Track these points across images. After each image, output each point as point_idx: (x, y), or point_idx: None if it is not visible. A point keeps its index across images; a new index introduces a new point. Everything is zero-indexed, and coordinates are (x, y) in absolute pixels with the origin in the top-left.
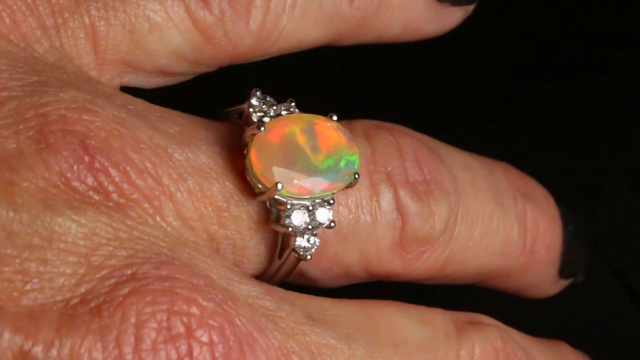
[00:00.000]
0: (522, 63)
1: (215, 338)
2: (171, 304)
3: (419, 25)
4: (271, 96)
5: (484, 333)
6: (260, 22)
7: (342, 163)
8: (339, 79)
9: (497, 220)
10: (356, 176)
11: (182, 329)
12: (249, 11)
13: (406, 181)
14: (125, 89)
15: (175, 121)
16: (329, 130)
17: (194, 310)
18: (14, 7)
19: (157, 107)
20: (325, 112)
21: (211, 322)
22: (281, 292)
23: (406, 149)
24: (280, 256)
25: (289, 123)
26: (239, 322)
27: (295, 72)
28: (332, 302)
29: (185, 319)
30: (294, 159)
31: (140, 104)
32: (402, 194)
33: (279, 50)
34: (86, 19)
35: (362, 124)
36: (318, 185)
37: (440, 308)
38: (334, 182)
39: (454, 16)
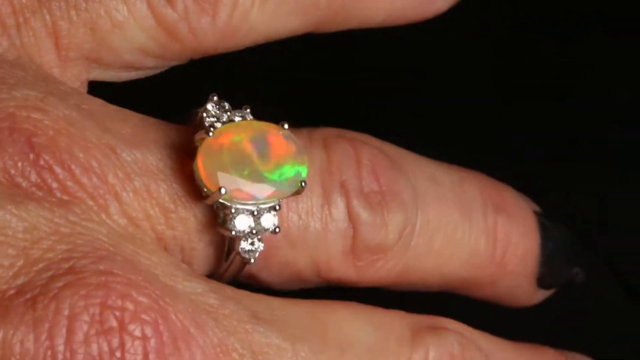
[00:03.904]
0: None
1: (148, 332)
2: (105, 298)
3: (404, 12)
4: (230, 101)
5: (440, 338)
6: (227, 18)
7: (290, 172)
8: (310, 84)
9: (461, 232)
10: (303, 184)
11: (114, 323)
12: (215, 7)
13: (360, 191)
14: (96, 84)
15: (128, 122)
16: (278, 138)
17: (128, 305)
18: None
19: (113, 106)
20: (279, 120)
21: (144, 317)
22: (229, 290)
23: (364, 159)
24: (226, 258)
25: (237, 130)
26: (174, 318)
27: (260, 76)
28: (282, 302)
29: (117, 314)
30: (240, 165)
31: (95, 103)
32: (355, 203)
33: (254, 42)
34: (47, 18)
35: (323, 133)
36: (263, 192)
37: (402, 311)
38: (279, 189)
39: (443, 2)
